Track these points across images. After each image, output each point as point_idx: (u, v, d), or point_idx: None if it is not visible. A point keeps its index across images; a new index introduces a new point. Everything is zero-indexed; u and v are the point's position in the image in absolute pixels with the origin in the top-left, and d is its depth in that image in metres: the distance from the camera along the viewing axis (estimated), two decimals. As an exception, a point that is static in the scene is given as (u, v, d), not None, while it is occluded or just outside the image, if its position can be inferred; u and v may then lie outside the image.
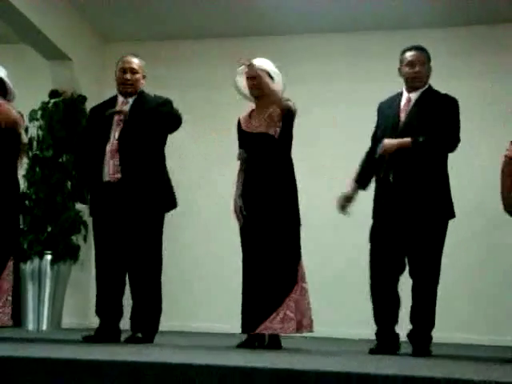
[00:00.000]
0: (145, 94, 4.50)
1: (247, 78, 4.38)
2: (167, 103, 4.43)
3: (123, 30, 7.10)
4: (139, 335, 4.26)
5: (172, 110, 4.42)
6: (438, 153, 4.17)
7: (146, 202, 4.32)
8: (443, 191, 4.17)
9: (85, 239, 6.32)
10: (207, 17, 6.79)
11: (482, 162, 6.30)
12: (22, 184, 6.07)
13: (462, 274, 6.33)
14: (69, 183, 6.28)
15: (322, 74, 6.88)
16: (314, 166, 6.65)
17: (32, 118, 6.33)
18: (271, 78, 4.35)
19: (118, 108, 4.39)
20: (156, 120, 4.36)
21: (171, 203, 4.49)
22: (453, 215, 4.20)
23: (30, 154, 6.33)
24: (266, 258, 4.19)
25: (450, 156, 4.25)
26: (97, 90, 6.61)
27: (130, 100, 4.45)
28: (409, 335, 4.13)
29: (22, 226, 6.14)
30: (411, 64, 4.23)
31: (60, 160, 6.35)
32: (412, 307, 4.13)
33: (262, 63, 4.37)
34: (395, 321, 4.18)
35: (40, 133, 6.43)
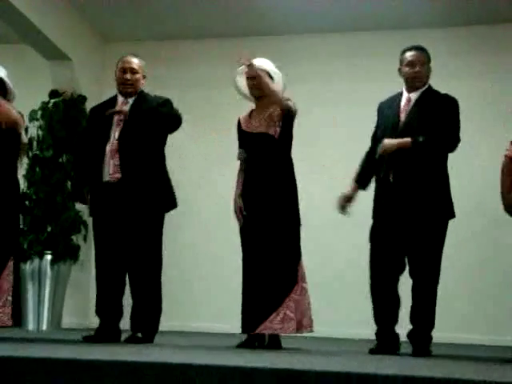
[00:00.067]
0: (145, 93, 4.50)
1: (247, 77, 4.38)
2: (167, 103, 4.43)
3: (123, 29, 7.10)
4: (139, 335, 4.26)
5: (172, 110, 4.42)
6: (438, 153, 4.17)
7: (146, 202, 4.32)
8: (443, 191, 4.17)
9: (85, 239, 6.32)
10: (207, 17, 6.79)
11: (482, 162, 6.31)
12: (22, 184, 6.07)
13: (461, 274, 6.33)
14: (69, 183, 6.28)
15: (322, 74, 6.88)
16: (314, 165, 6.66)
17: (32, 118, 6.33)
18: (271, 77, 4.35)
19: (117, 108, 4.39)
20: (156, 120, 4.36)
21: (171, 203, 4.49)
22: (453, 215, 4.20)
23: (30, 154, 6.33)
24: (266, 258, 4.19)
25: (450, 156, 4.25)
26: (97, 89, 6.62)
27: (130, 100, 4.44)
28: (409, 335, 4.13)
29: (22, 226, 6.15)
30: (411, 64, 4.22)
31: (60, 160, 6.35)
32: (412, 307, 4.13)
33: (262, 63, 4.37)
34: (395, 321, 4.18)
35: (40, 133, 6.43)
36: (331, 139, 6.78)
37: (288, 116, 4.28)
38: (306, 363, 3.03)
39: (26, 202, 6.25)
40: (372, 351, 4.05)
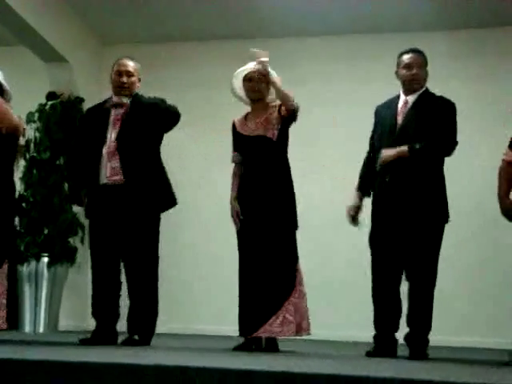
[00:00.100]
0: (139, 95, 4.50)
1: (246, 80, 4.37)
2: (163, 101, 4.44)
3: (121, 31, 7.10)
4: (136, 337, 4.25)
5: (169, 107, 4.42)
6: (436, 158, 4.16)
7: (148, 203, 4.33)
8: (439, 194, 4.16)
9: (82, 241, 6.31)
10: (206, 19, 6.79)
11: (482, 162, 6.30)
12: (19, 186, 6.07)
13: (461, 274, 6.35)
14: (66, 185, 6.27)
15: (322, 75, 6.88)
16: (313, 166, 6.68)
17: (29, 120, 6.32)
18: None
19: (114, 110, 4.39)
20: (155, 116, 4.34)
21: (172, 201, 4.48)
22: (447, 219, 4.19)
23: (27, 156, 6.33)
24: (265, 262, 4.18)
25: (450, 156, 4.24)
26: (95, 91, 6.60)
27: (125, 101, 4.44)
28: (406, 338, 4.12)
29: (19, 228, 6.15)
30: (408, 66, 4.22)
31: (57, 162, 6.35)
32: (408, 310, 4.11)
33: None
34: (395, 328, 4.16)
35: (37, 135, 6.43)
36: (331, 139, 6.79)
37: (292, 117, 4.27)
38: (303, 366, 3.02)
39: (23, 204, 6.24)
40: (369, 354, 4.04)
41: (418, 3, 6.35)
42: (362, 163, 4.47)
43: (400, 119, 4.20)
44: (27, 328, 6.11)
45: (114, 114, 4.42)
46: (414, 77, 4.21)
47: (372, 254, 4.22)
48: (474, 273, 6.42)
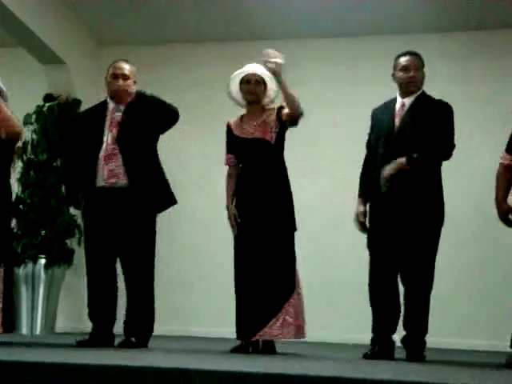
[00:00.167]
0: (142, 92, 4.47)
1: (244, 82, 4.36)
2: (160, 100, 4.43)
3: (119, 33, 7.10)
4: (133, 340, 4.24)
5: (169, 106, 4.41)
6: (435, 163, 4.16)
7: (148, 204, 4.33)
8: (436, 197, 4.15)
9: (79, 243, 6.29)
10: (204, 20, 6.79)
11: (482, 162, 6.31)
12: (17, 188, 6.07)
13: (461, 274, 6.37)
14: (63, 187, 6.27)
15: (322, 76, 6.89)
16: (313, 166, 6.69)
17: (26, 121, 6.32)
18: (265, 83, 4.38)
19: (109, 113, 4.39)
20: (155, 112, 4.33)
21: (171, 200, 4.48)
22: (443, 222, 4.19)
23: (25, 157, 6.32)
24: (265, 264, 4.17)
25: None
26: (92, 93, 6.59)
27: (122, 105, 4.43)
28: (403, 341, 4.12)
29: (16, 230, 6.14)
30: (405, 69, 4.22)
31: (54, 164, 6.34)
32: (405, 314, 4.10)
33: (262, 69, 4.38)
34: (393, 331, 4.16)
35: (34, 136, 6.42)
36: (331, 140, 6.80)
37: (293, 123, 4.27)
38: (300, 368, 3.02)
39: (20, 206, 6.24)
40: (366, 356, 4.04)
41: (416, 5, 6.36)
42: (361, 166, 4.45)
43: (397, 122, 4.19)
44: (24, 330, 6.11)
45: (110, 117, 4.42)
46: (411, 79, 4.21)
47: (370, 257, 4.22)
48: (473, 274, 6.43)
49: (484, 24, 6.58)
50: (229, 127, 4.47)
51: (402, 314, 4.15)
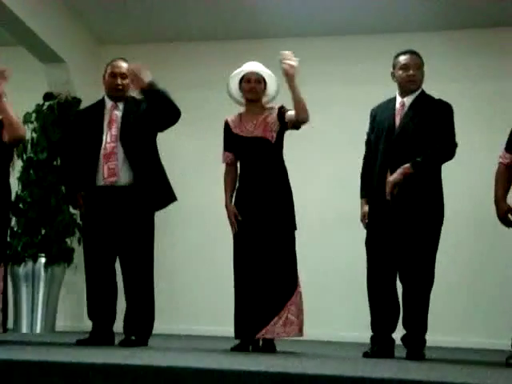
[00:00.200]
0: (132, 97, 4.49)
1: (245, 81, 4.36)
2: (168, 97, 4.41)
3: (118, 32, 7.09)
4: (133, 338, 4.25)
5: (173, 103, 4.39)
6: (439, 164, 4.15)
7: (149, 202, 4.33)
8: (436, 197, 4.15)
9: (79, 242, 6.30)
10: (204, 19, 6.79)
11: (482, 163, 6.31)
12: (16, 186, 6.07)
13: (461, 274, 6.37)
14: (63, 186, 6.27)
15: (321, 75, 6.88)
16: (313, 166, 6.70)
17: (26, 120, 6.31)
18: (265, 82, 4.38)
19: (108, 111, 4.39)
20: (156, 109, 4.30)
21: (172, 197, 4.48)
22: (442, 221, 4.19)
23: (25, 156, 6.32)
24: (267, 263, 4.18)
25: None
26: (92, 92, 6.58)
27: (120, 104, 4.44)
28: (403, 339, 4.12)
29: (16, 229, 6.14)
30: (405, 67, 4.21)
31: (54, 163, 6.34)
32: (404, 312, 4.10)
33: (261, 67, 4.39)
34: (393, 329, 4.16)
35: (34, 135, 6.42)
36: (330, 139, 6.80)
37: (296, 127, 4.27)
38: (301, 367, 3.02)
39: (20, 205, 6.24)
40: (366, 355, 4.04)
41: (416, 4, 6.36)
42: (360, 165, 4.45)
43: (398, 121, 4.18)
44: (24, 329, 6.11)
45: (109, 115, 4.42)
46: (410, 78, 4.20)
47: (368, 256, 4.21)
48: (473, 272, 6.43)
49: (484, 22, 6.57)
50: (227, 125, 4.47)
51: (401, 312, 4.16)
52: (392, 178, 4.05)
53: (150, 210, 4.37)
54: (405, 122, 4.16)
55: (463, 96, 6.21)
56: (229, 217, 4.35)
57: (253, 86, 4.35)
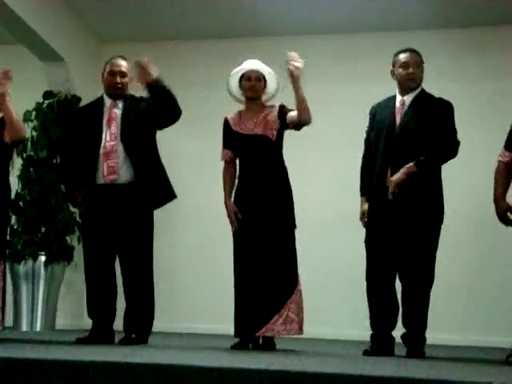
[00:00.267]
0: (131, 95, 4.49)
1: (245, 79, 4.35)
2: (172, 94, 4.41)
3: (118, 30, 7.09)
4: (133, 336, 4.25)
5: (176, 101, 4.39)
6: (443, 163, 4.15)
7: (149, 200, 4.33)
8: (436, 196, 4.15)
9: (79, 240, 6.30)
10: (203, 18, 6.79)
11: (482, 162, 6.31)
12: (16, 185, 6.07)
13: (461, 272, 6.38)
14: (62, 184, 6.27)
15: (320, 74, 6.87)
16: (313, 166, 6.69)
17: (26, 118, 6.31)
18: (265, 80, 4.39)
19: (107, 110, 4.39)
20: (159, 105, 4.29)
21: (171, 195, 4.48)
22: (442, 220, 4.19)
23: (24, 154, 6.32)
24: (267, 261, 4.17)
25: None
26: (91, 90, 6.58)
27: (119, 102, 4.44)
28: (403, 337, 4.13)
29: (16, 227, 6.15)
30: (405, 65, 4.21)
31: (54, 161, 6.34)
32: (404, 311, 4.11)
33: (261, 65, 4.39)
34: (392, 327, 4.16)
35: (34, 133, 6.42)
36: (330, 138, 6.79)
37: (297, 128, 4.27)
38: (300, 365, 3.02)
39: (20, 203, 6.24)
40: (366, 353, 4.04)
41: (416, 2, 6.36)
42: (360, 163, 4.46)
43: (398, 119, 4.18)
44: (24, 327, 6.11)
45: (108, 113, 4.42)
46: (410, 76, 4.20)
47: (367, 255, 4.22)
48: (473, 271, 6.44)
49: (484, 20, 6.58)
50: (227, 123, 4.47)
51: (401, 310, 4.16)
52: (395, 177, 4.05)
53: (150, 207, 4.38)
54: (405, 120, 4.16)
55: (463, 95, 6.21)
56: (228, 215, 4.34)
57: (253, 84, 4.35)
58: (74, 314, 6.59)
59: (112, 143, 4.32)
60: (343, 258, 6.47)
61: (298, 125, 4.25)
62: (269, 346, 4.20)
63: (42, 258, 6.16)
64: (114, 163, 4.30)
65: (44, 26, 6.20)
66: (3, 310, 4.35)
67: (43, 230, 6.25)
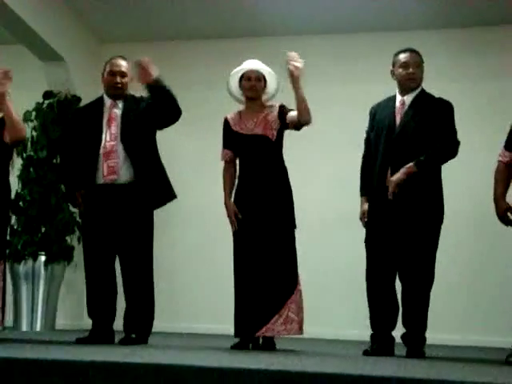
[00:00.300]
0: (131, 95, 4.49)
1: (245, 79, 4.36)
2: (172, 94, 4.41)
3: (118, 30, 7.10)
4: (133, 336, 4.25)
5: (176, 102, 4.39)
6: (443, 162, 4.15)
7: (149, 200, 4.33)
8: (436, 196, 4.15)
9: (79, 240, 6.30)
10: (203, 18, 6.80)
11: (482, 162, 6.31)
12: (16, 185, 6.07)
13: (461, 271, 6.38)
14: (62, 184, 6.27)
15: (320, 73, 6.87)
16: (313, 166, 6.69)
17: (26, 118, 6.31)
18: (265, 79, 4.39)
19: (107, 110, 4.39)
20: (159, 105, 4.29)
21: (171, 194, 4.47)
22: (442, 220, 4.18)
23: (25, 154, 6.32)
24: (267, 261, 4.17)
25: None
26: (91, 90, 6.58)
27: (119, 102, 4.43)
28: (403, 337, 4.13)
29: (16, 227, 6.15)
30: (405, 65, 4.21)
31: (54, 161, 6.34)
32: (404, 311, 4.11)
33: (261, 65, 4.39)
34: (393, 326, 4.16)
35: (34, 133, 6.42)
36: (330, 138, 6.79)
37: (297, 128, 4.27)
38: (300, 365, 3.02)
39: (20, 203, 6.24)
40: (366, 353, 4.04)
41: (416, 2, 6.37)
42: (360, 163, 4.46)
43: (398, 119, 4.18)
44: (24, 327, 6.11)
45: (108, 113, 4.42)
46: (410, 76, 4.20)
47: (367, 255, 4.21)
48: (473, 271, 6.44)
49: (484, 20, 6.58)
50: (227, 122, 4.47)
51: (401, 310, 4.16)
52: (395, 177, 4.05)
53: (150, 207, 4.38)
54: (405, 120, 4.16)
55: (463, 95, 6.21)
56: (228, 215, 4.34)
57: (253, 84, 4.35)
58: (73, 314, 6.59)
59: (112, 143, 4.32)
60: (343, 258, 6.47)
61: (298, 125, 4.26)
62: (269, 345, 4.20)
63: (42, 258, 6.16)
64: (114, 163, 4.30)
65: (44, 26, 6.20)
66: (3, 310, 4.36)
67: (43, 230, 6.25)
